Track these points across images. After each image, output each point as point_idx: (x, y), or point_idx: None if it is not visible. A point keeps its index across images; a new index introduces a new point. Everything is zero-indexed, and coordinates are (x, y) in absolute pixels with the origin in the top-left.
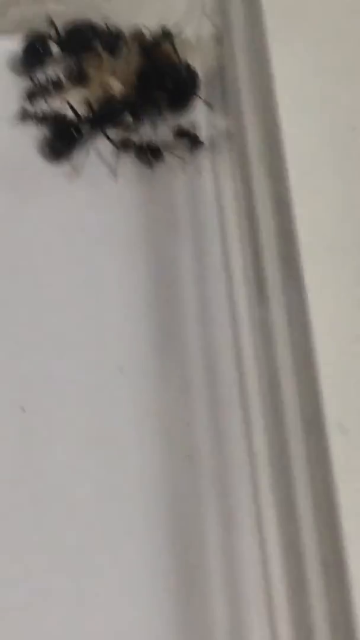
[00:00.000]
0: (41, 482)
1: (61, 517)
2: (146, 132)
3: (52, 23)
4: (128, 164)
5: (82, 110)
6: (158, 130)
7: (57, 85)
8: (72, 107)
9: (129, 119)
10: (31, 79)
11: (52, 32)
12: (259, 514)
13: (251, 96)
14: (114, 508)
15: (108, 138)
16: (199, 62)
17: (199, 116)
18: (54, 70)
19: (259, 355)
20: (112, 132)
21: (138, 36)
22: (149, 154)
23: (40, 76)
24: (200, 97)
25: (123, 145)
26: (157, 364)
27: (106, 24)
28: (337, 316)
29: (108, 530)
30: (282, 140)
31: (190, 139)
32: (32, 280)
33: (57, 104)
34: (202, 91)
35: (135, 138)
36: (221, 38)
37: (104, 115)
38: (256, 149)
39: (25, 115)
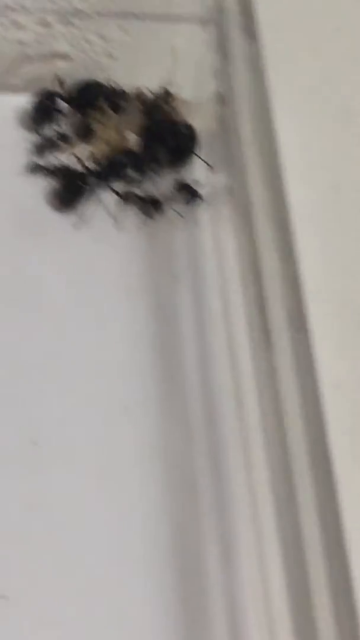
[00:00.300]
0: (50, 511)
1: (69, 548)
2: (148, 186)
3: (60, 81)
4: (131, 214)
5: (88, 164)
6: (159, 184)
7: (65, 140)
8: (79, 160)
9: (132, 172)
10: (40, 133)
11: (61, 90)
12: (260, 546)
13: (254, 153)
14: (119, 538)
15: (113, 190)
16: (201, 120)
17: (199, 171)
18: (61, 126)
19: (262, 398)
20: (116, 185)
21: (140, 96)
22: (150, 206)
23: (49, 131)
24: (198, 156)
25: (126, 197)
26: (160, 403)
27: (111, 84)
28: (343, 363)
29: (112, 559)
30: (286, 194)
31: (189, 193)
32: (40, 321)
33: (65, 158)
34: (203, 148)
35: (137, 191)
36: (223, 97)
37: (109, 169)
38: (260, 203)
39: (34, 168)
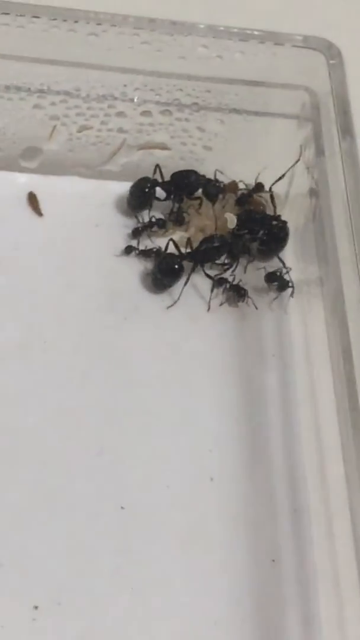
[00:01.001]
0: (138, 572)
1: (153, 609)
2: (240, 272)
3: (159, 170)
4: (221, 297)
5: (183, 249)
6: (250, 271)
7: (161, 225)
8: (175, 245)
9: (224, 258)
10: (137, 218)
11: (159, 178)
12: (341, 614)
13: (346, 245)
14: (203, 603)
15: (206, 274)
16: (293, 213)
17: (290, 261)
18: (158, 212)
19: (347, 475)
20: (209, 269)
21: (235, 187)
22: (237, 293)
23: (146, 216)
24: (278, 258)
25: (218, 282)
26: (245, 475)
27: (207, 175)
28: None
29: (196, 621)
30: None
31: (279, 282)
32: (129, 396)
33: (160, 242)
34: (295, 240)
35: (228, 276)
36: (316, 191)
37: (203, 254)
38: (351, 293)
39: (130, 251)
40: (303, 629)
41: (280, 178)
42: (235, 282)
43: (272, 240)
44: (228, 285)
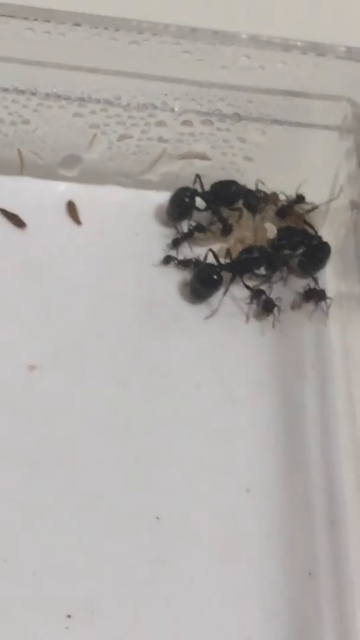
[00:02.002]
0: (172, 583)
1: (189, 619)
2: (278, 285)
3: (200, 180)
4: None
5: (222, 259)
6: (290, 284)
7: (200, 236)
8: (214, 255)
9: (264, 270)
10: (177, 228)
11: (199, 188)
12: None
13: None
14: (237, 616)
15: (245, 285)
16: (333, 226)
17: (329, 273)
18: (198, 222)
19: None
20: (248, 279)
21: (275, 199)
22: (265, 307)
23: (185, 226)
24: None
25: (256, 293)
26: (281, 487)
27: (247, 185)
28: None
29: (230, 635)
30: None
31: (317, 298)
32: (167, 407)
33: (199, 252)
34: (335, 254)
35: (266, 288)
36: (357, 204)
37: (242, 265)
38: None
39: (169, 260)
40: None
41: (313, 208)
42: (271, 295)
43: (311, 260)
44: (264, 297)
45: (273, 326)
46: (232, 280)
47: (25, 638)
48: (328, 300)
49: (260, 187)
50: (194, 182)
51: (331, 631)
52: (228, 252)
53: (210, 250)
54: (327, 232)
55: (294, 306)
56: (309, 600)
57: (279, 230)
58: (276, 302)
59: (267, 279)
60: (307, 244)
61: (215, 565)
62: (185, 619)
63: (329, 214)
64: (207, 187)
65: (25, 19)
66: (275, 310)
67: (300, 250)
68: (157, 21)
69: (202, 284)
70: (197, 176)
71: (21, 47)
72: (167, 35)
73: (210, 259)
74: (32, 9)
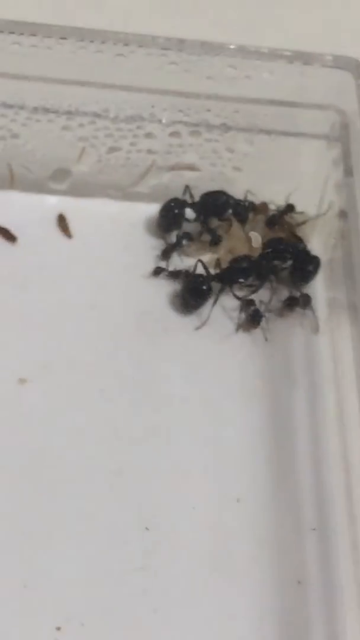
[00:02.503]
0: (162, 593)
1: (180, 629)
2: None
3: (189, 190)
4: (250, 318)
5: (212, 269)
6: (279, 293)
7: (190, 246)
8: (204, 266)
9: (252, 280)
10: (166, 239)
11: (189, 199)
12: None
13: None
14: (228, 625)
15: (235, 295)
16: (323, 234)
17: (319, 281)
18: (188, 233)
19: None
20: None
21: (264, 209)
22: (252, 319)
23: (175, 237)
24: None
25: (246, 303)
26: (271, 497)
27: (236, 196)
28: None
29: None
30: None
31: (302, 305)
32: (158, 416)
33: (189, 263)
34: (325, 262)
35: (254, 298)
36: (345, 213)
37: (231, 275)
38: None
39: (159, 272)
40: None
41: (304, 222)
42: (262, 305)
43: (301, 273)
44: (253, 308)
45: (266, 339)
46: (221, 291)
47: None
48: (312, 305)
49: (250, 197)
50: (184, 193)
51: (320, 639)
52: (218, 263)
53: (200, 260)
54: (317, 241)
55: (281, 314)
56: (298, 609)
57: (268, 242)
58: (264, 313)
59: (256, 288)
60: (296, 257)
61: (205, 575)
62: (175, 629)
63: (319, 223)
64: (196, 198)
65: (12, 33)
66: (263, 321)
67: (289, 262)
68: (142, 33)
69: (191, 295)
70: (187, 187)
71: (8, 61)
72: (153, 46)
73: (200, 270)
74: (18, 23)
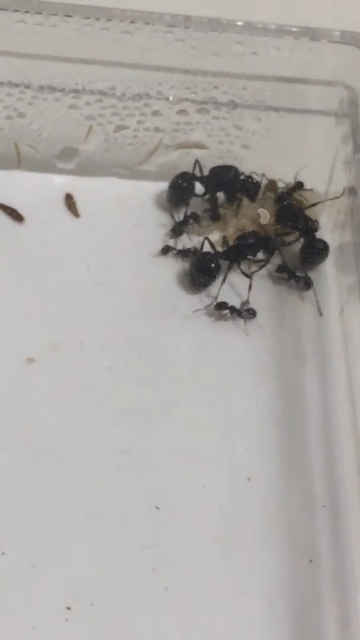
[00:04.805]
0: (173, 573)
1: (190, 608)
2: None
3: (198, 164)
4: (260, 293)
5: (220, 247)
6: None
7: (198, 223)
8: (210, 244)
9: (260, 255)
10: (174, 216)
11: (197, 172)
12: None
13: None
14: (238, 604)
15: (243, 272)
16: (332, 211)
17: (328, 259)
18: (194, 213)
19: None
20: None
21: (273, 186)
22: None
23: (183, 214)
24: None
25: (219, 306)
26: (281, 475)
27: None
28: None
29: (231, 622)
30: None
31: (288, 273)
32: (168, 395)
33: (198, 241)
34: (334, 240)
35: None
36: (354, 189)
37: (238, 251)
38: None
39: (167, 251)
40: (341, 631)
41: (314, 205)
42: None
43: (310, 256)
44: (229, 307)
45: (247, 334)
46: (229, 268)
47: (25, 630)
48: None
49: (256, 177)
50: (193, 167)
51: (332, 618)
52: (225, 240)
53: (206, 238)
54: (326, 218)
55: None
56: (309, 587)
57: (277, 216)
58: (241, 309)
59: (265, 263)
60: (306, 239)
61: (216, 554)
62: (185, 608)
63: (328, 200)
64: (205, 174)
65: (17, 11)
66: (244, 315)
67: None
68: (149, 10)
69: (200, 273)
70: (197, 161)
71: (13, 39)
72: (159, 24)
73: (208, 248)
74: (23, 0)
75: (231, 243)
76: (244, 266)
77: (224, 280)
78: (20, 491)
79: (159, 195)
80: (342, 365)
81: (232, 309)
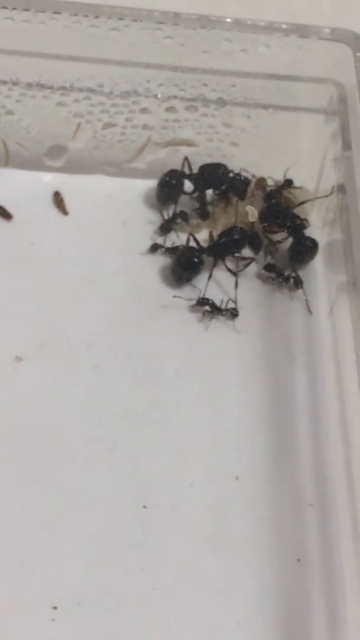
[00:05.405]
0: (161, 572)
1: (178, 607)
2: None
3: (187, 162)
4: (249, 292)
5: (206, 244)
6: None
7: (186, 220)
8: (195, 240)
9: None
10: (163, 214)
11: (186, 170)
12: None
13: None
14: (226, 603)
15: (228, 269)
16: (321, 209)
17: (317, 257)
18: (183, 211)
19: None
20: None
21: (262, 183)
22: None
23: (171, 211)
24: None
25: (201, 302)
26: (270, 474)
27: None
28: None
29: (219, 622)
30: None
31: (276, 274)
32: (156, 393)
33: (184, 237)
34: (323, 237)
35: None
36: (344, 187)
37: (223, 247)
38: None
39: (156, 248)
40: (328, 630)
41: (302, 203)
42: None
43: (298, 256)
44: (209, 304)
45: (236, 332)
46: (214, 264)
47: (11, 630)
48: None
49: (245, 174)
50: (182, 165)
51: (320, 618)
52: (211, 236)
53: (191, 234)
54: (316, 216)
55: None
56: (297, 586)
57: (265, 214)
58: (222, 307)
59: (251, 260)
60: (294, 237)
61: (204, 553)
62: (173, 607)
63: (317, 197)
64: (194, 172)
65: (4, 7)
66: (225, 314)
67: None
68: (137, 7)
69: (183, 268)
70: (186, 159)
71: (1, 36)
72: (148, 20)
73: (194, 244)
74: None
75: (217, 238)
76: (230, 263)
77: (210, 276)
78: (6, 490)
79: (148, 193)
80: (331, 364)
81: (213, 306)
